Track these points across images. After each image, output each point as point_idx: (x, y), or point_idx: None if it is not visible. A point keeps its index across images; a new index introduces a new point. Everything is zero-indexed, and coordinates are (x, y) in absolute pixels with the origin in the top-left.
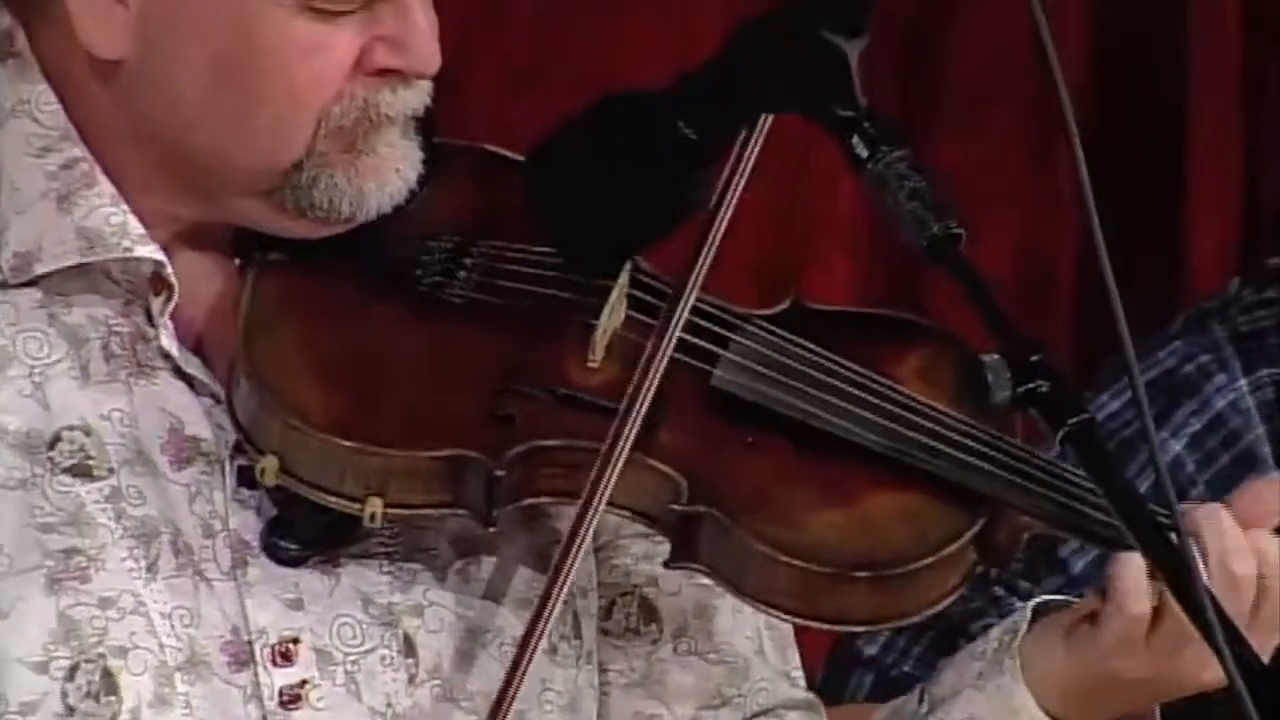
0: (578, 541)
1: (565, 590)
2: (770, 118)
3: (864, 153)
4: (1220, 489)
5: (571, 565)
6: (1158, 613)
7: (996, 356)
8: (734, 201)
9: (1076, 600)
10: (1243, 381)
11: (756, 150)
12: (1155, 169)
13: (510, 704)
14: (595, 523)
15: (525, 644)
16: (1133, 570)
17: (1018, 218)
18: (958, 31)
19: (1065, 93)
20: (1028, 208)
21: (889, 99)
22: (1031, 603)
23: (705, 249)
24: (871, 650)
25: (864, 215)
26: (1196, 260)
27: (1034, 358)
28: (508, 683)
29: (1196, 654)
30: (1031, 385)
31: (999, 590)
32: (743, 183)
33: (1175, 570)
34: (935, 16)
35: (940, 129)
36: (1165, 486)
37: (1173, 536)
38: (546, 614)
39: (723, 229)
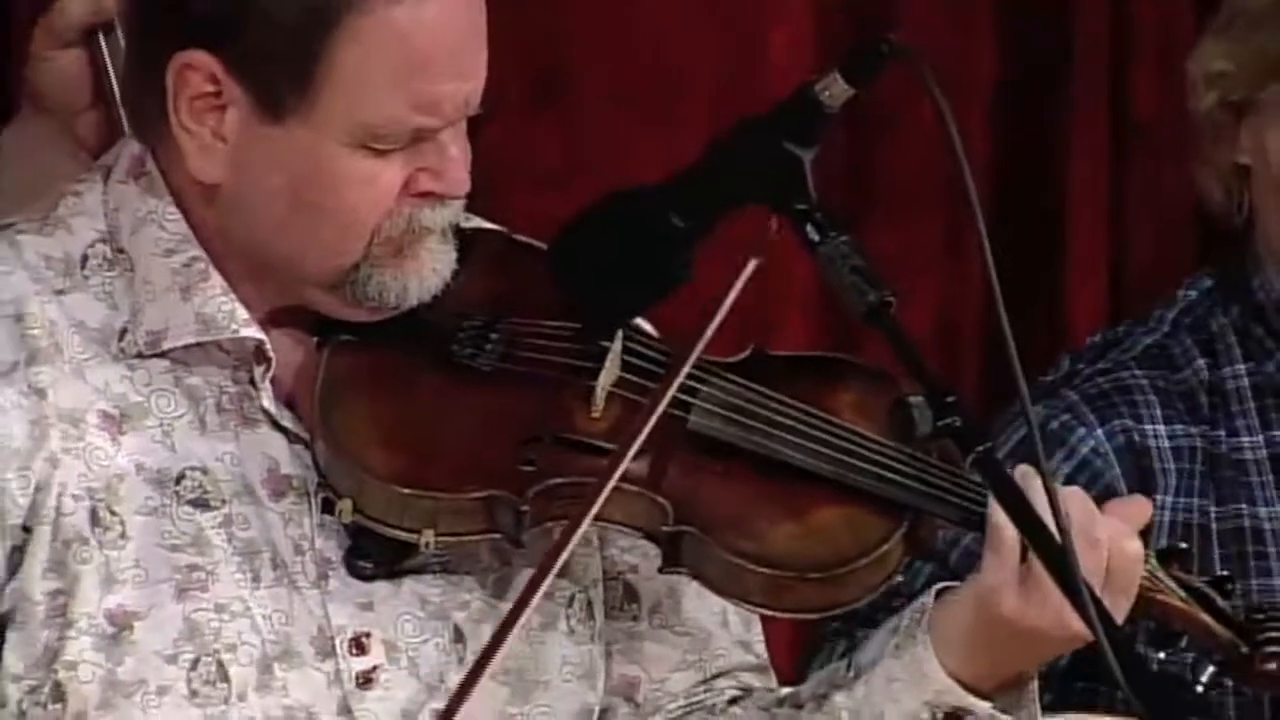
0: (565, 549)
1: (548, 582)
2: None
3: (816, 237)
4: None
5: (554, 570)
6: (1026, 553)
7: (920, 397)
8: (722, 317)
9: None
10: (1100, 431)
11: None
12: (1041, 249)
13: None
14: (580, 536)
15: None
16: (998, 511)
17: (935, 289)
18: (890, 146)
19: (974, 193)
20: (943, 282)
21: (836, 196)
22: (935, 587)
23: (698, 341)
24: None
25: (816, 286)
26: (1074, 317)
27: (948, 399)
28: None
29: (1064, 604)
30: (947, 420)
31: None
32: (729, 303)
33: (1050, 545)
34: (873, 134)
35: (876, 220)
36: (1052, 492)
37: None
38: (537, 592)
39: (714, 327)
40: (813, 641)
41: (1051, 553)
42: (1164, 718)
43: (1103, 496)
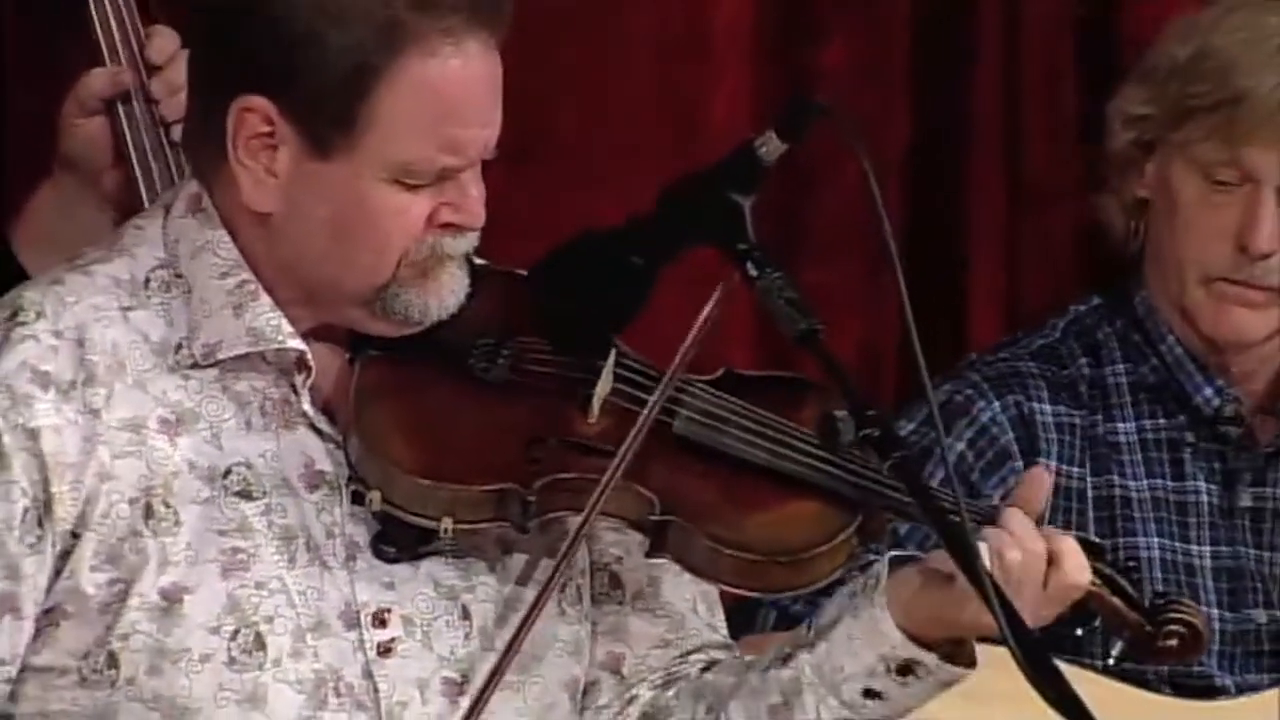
0: (577, 539)
1: (563, 573)
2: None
3: (755, 273)
4: (989, 472)
5: (569, 556)
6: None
7: (844, 411)
8: (696, 344)
9: (915, 555)
10: (996, 404)
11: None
12: (947, 287)
13: (519, 645)
14: (589, 528)
15: (535, 604)
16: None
17: (857, 320)
18: (819, 195)
19: (890, 238)
20: (864, 313)
21: (772, 237)
22: (887, 556)
23: (673, 370)
24: None
25: (755, 315)
26: (975, 345)
27: (870, 413)
28: (520, 629)
29: (979, 606)
30: (869, 431)
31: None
32: (700, 334)
33: (963, 548)
34: (804, 185)
35: (806, 259)
36: (952, 481)
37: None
38: (553, 584)
39: (684, 363)
40: (738, 612)
41: (958, 547)
42: (1054, 693)
43: (998, 457)
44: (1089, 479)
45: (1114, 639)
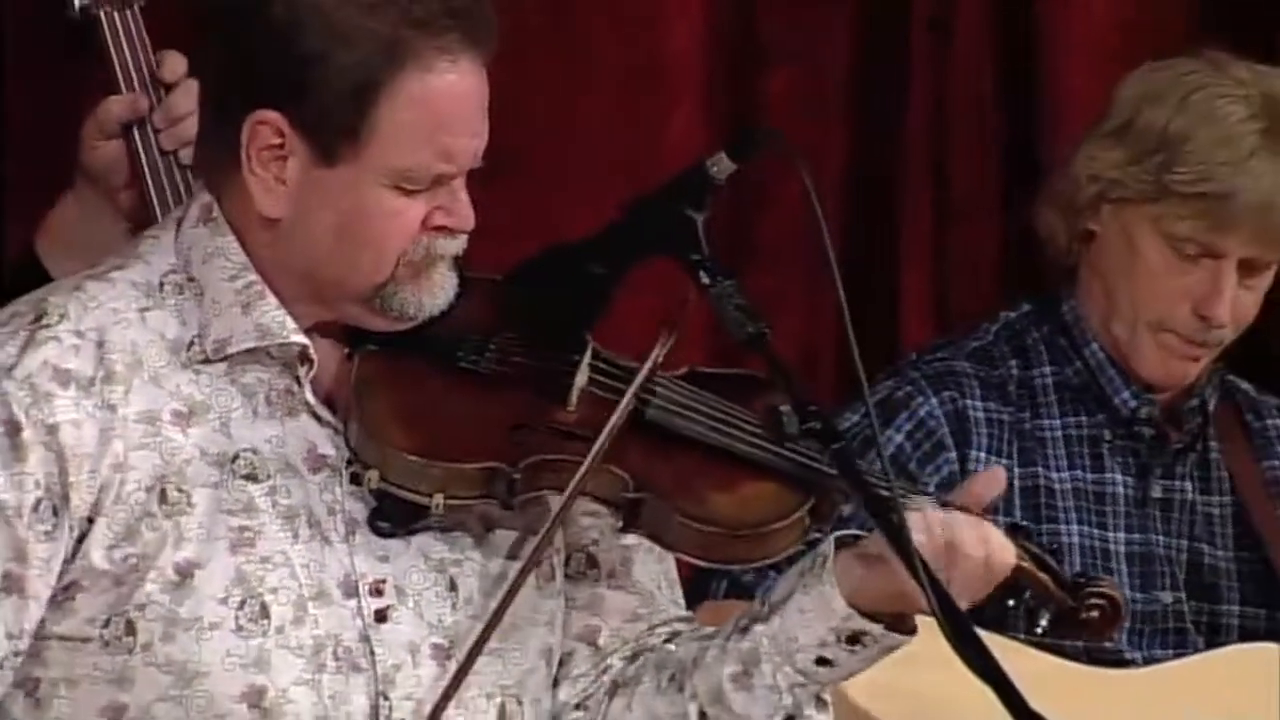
0: (560, 515)
1: (543, 550)
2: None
3: (707, 281)
4: (925, 462)
5: (551, 533)
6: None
7: (788, 406)
8: (665, 350)
9: (859, 535)
10: (934, 400)
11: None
12: (881, 295)
13: (498, 622)
14: (569, 508)
15: (515, 584)
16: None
17: (799, 324)
18: (765, 211)
19: (830, 250)
20: (805, 318)
21: (723, 248)
22: (832, 536)
23: (640, 377)
24: None
25: (709, 321)
26: (906, 347)
27: (811, 408)
28: (502, 604)
29: (914, 587)
30: (810, 424)
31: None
32: (667, 345)
33: (893, 530)
34: (752, 201)
35: (753, 269)
36: (886, 469)
37: (893, 512)
38: (528, 565)
39: (656, 362)
40: (694, 580)
41: (888, 529)
42: (978, 663)
43: (934, 449)
44: (1016, 470)
45: (1041, 612)
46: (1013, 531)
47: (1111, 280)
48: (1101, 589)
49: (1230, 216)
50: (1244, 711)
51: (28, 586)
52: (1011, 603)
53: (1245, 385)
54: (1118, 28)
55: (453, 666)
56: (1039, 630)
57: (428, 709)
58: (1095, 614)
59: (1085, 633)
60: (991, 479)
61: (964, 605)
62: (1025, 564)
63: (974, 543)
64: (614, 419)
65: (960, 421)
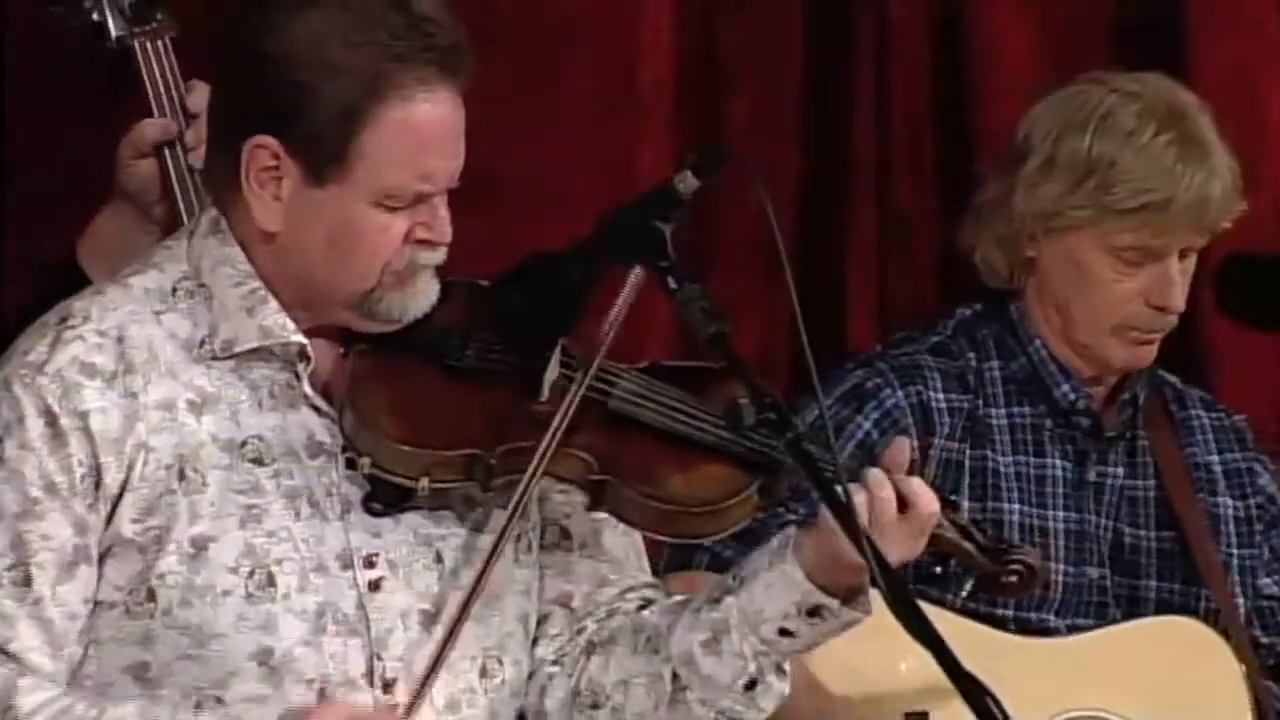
0: (522, 497)
1: (517, 524)
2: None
3: (674, 285)
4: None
5: (520, 506)
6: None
7: (746, 399)
8: (612, 333)
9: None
10: (899, 392)
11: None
12: (831, 298)
13: (480, 591)
14: (534, 487)
15: (490, 555)
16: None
17: (756, 325)
18: (726, 223)
19: (785, 257)
20: (762, 319)
21: (688, 256)
22: (794, 521)
23: (594, 361)
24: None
25: (674, 322)
26: (853, 346)
27: (767, 400)
28: (478, 580)
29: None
30: (767, 415)
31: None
32: (615, 328)
33: (839, 504)
34: (714, 214)
35: (715, 275)
36: (832, 444)
37: (839, 489)
38: (502, 537)
39: (603, 352)
40: (674, 554)
41: (834, 504)
42: (915, 624)
43: (900, 436)
44: (968, 453)
45: (966, 576)
46: (943, 504)
47: (1063, 298)
48: (1019, 556)
49: (1170, 220)
50: (1161, 678)
51: (91, 554)
52: (939, 569)
53: (1172, 379)
54: (1042, 59)
55: (438, 631)
56: (965, 592)
57: (418, 668)
58: (1014, 578)
59: (1005, 594)
60: (898, 448)
61: (901, 559)
62: (951, 535)
63: (891, 498)
64: (568, 400)
65: (924, 412)
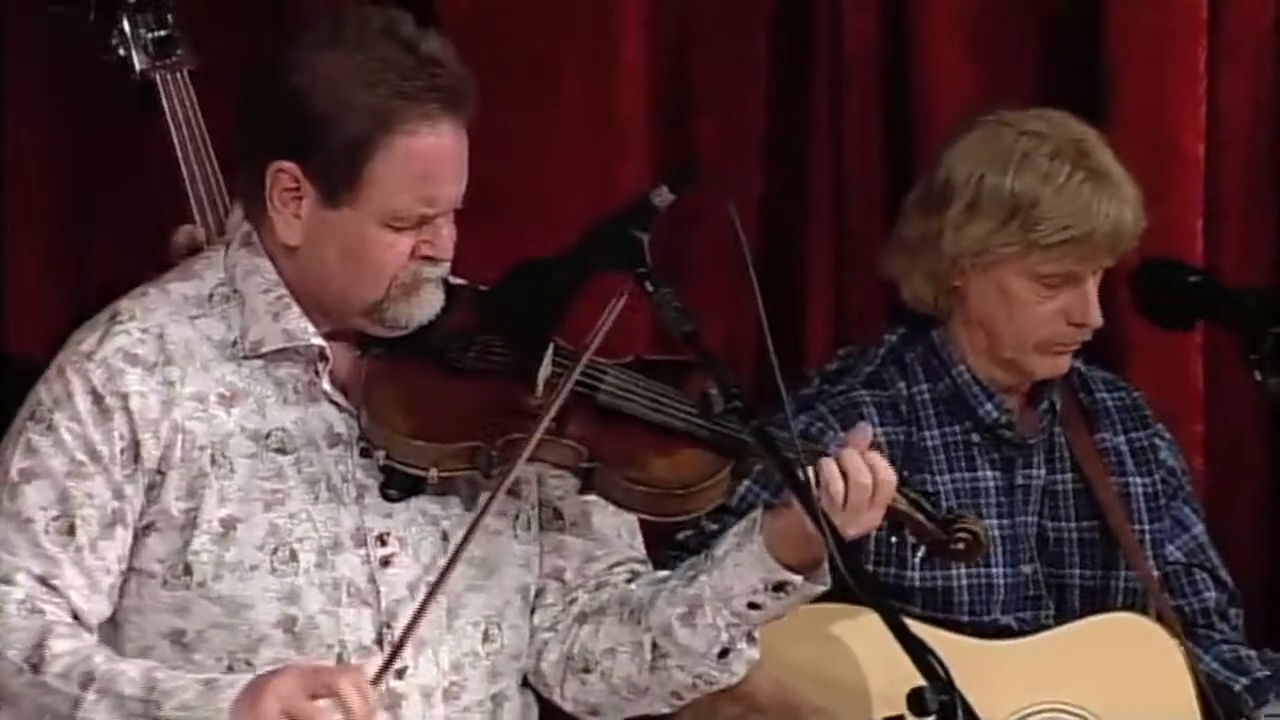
0: (504, 483)
1: (494, 505)
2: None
3: (651, 288)
4: None
5: (495, 496)
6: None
7: (715, 390)
8: (599, 338)
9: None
10: (841, 435)
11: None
12: (793, 305)
13: (460, 554)
14: (516, 474)
15: (469, 531)
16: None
17: (724, 325)
18: (698, 232)
19: (750, 266)
20: (730, 321)
21: (664, 262)
22: (762, 506)
23: (585, 353)
24: (712, 526)
25: (653, 323)
26: (812, 349)
27: (734, 390)
28: (463, 541)
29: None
30: (733, 404)
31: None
32: (603, 332)
33: (797, 481)
34: (687, 225)
35: (688, 280)
36: (792, 431)
37: (800, 472)
38: (481, 510)
39: (592, 351)
40: (674, 545)
41: (794, 483)
42: (872, 595)
43: None
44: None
45: (919, 545)
46: (898, 480)
47: (989, 321)
48: (966, 525)
49: (1090, 249)
50: (1112, 671)
51: (127, 518)
52: (894, 539)
53: (1077, 363)
54: (982, 90)
55: (443, 600)
56: (918, 559)
57: (423, 634)
58: (962, 545)
59: (955, 559)
60: (861, 431)
61: (861, 531)
62: (903, 507)
63: (864, 469)
64: (559, 389)
65: None
